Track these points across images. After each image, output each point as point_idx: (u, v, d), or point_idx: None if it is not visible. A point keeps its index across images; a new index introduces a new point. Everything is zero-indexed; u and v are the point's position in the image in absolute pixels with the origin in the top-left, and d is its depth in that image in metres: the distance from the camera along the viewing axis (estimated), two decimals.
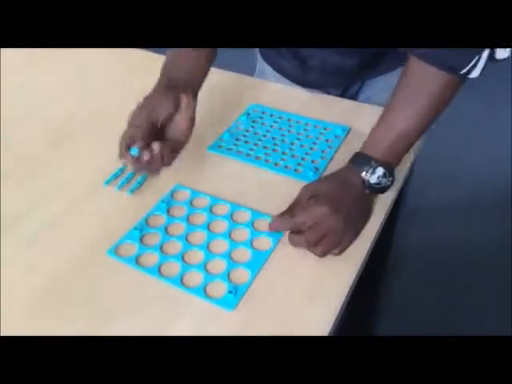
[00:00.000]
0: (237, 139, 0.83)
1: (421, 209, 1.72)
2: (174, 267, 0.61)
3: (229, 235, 0.65)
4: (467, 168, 1.92)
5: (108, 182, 0.74)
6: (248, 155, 0.79)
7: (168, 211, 0.69)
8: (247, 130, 0.85)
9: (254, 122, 0.87)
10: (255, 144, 0.82)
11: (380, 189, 0.66)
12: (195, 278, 0.60)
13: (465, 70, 0.60)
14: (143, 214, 0.68)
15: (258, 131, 0.85)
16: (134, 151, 0.65)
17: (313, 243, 0.61)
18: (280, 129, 0.85)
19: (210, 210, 0.69)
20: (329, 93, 0.95)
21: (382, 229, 0.69)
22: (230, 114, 0.88)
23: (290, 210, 0.66)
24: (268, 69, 1.00)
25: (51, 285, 0.60)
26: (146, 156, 0.65)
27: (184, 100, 0.69)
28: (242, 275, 0.60)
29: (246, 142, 0.82)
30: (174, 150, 0.70)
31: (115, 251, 0.63)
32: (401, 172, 0.74)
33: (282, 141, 0.82)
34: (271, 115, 0.89)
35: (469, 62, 0.60)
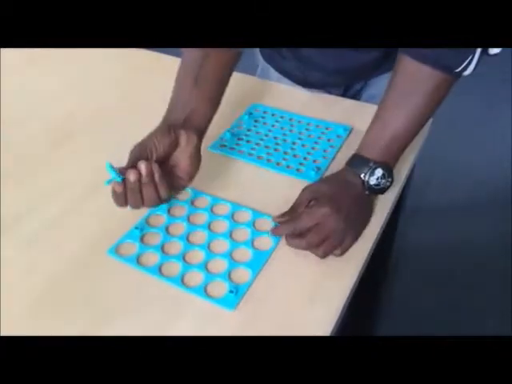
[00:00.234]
0: (238, 139, 0.83)
1: (421, 209, 1.72)
2: (174, 267, 0.61)
3: (230, 235, 0.65)
4: (467, 168, 1.91)
5: (109, 182, 0.74)
6: (250, 155, 0.79)
7: (169, 211, 0.69)
8: (249, 130, 0.85)
9: (255, 121, 0.87)
10: (257, 143, 0.82)
11: (380, 190, 0.66)
12: (196, 277, 0.60)
13: (459, 69, 0.60)
14: (144, 214, 0.68)
15: (259, 131, 0.85)
16: (113, 173, 0.58)
17: (315, 245, 0.61)
18: (282, 128, 0.85)
19: (211, 209, 0.69)
20: (330, 92, 0.95)
21: (383, 230, 0.69)
22: (231, 114, 0.88)
23: (291, 212, 0.65)
24: (270, 69, 1.00)
25: (51, 285, 0.60)
26: (131, 175, 0.59)
27: (183, 137, 0.65)
28: (242, 275, 0.60)
29: (248, 141, 0.82)
30: (172, 186, 0.65)
31: (116, 251, 0.63)
32: (401, 173, 0.74)
33: (284, 140, 0.82)
34: (273, 115, 0.88)
35: (463, 61, 0.60)
